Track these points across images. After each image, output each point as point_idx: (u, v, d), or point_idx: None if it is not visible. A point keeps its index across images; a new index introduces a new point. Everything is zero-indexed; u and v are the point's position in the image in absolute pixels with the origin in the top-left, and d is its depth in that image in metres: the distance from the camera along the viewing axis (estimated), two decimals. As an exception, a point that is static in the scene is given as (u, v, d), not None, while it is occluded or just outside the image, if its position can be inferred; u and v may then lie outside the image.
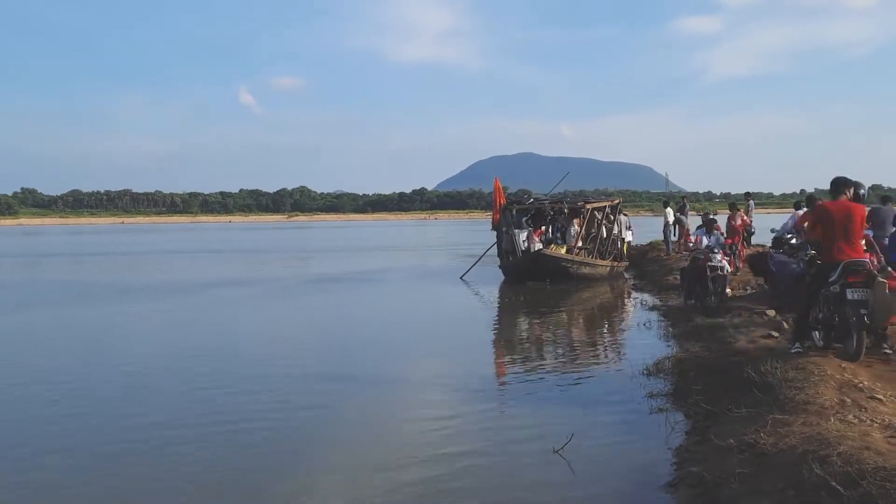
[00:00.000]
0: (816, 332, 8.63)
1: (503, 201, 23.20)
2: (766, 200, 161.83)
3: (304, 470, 6.82)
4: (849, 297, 7.72)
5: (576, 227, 23.04)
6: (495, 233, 23.98)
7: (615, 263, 23.66)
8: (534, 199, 25.29)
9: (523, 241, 22.42)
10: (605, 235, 23.61)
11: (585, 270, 22.04)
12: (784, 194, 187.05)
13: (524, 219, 23.62)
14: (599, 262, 22.72)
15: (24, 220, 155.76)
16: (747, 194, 26.21)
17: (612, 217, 24.15)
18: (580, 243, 22.85)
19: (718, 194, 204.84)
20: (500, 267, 23.39)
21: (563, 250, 22.19)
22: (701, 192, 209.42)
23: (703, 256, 14.10)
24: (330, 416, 8.57)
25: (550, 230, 23.89)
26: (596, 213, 23.77)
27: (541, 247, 22.27)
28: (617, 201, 25.14)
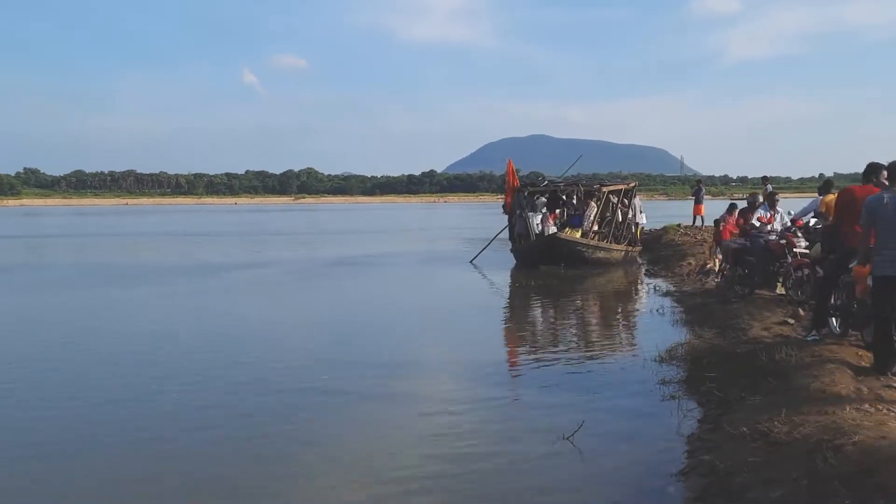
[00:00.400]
0: (834, 320, 8.62)
1: (516, 184, 22.99)
2: (784, 185, 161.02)
3: (316, 458, 6.88)
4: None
5: (592, 210, 22.89)
6: (507, 216, 23.96)
7: (629, 248, 23.58)
8: (548, 181, 25.11)
9: (538, 225, 22.33)
10: (619, 219, 23.48)
11: (600, 255, 21.97)
12: (802, 178, 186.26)
13: (536, 200, 23.44)
14: (614, 246, 22.62)
15: (26, 201, 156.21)
16: (765, 178, 26.12)
17: (627, 201, 24.04)
18: (595, 227, 22.79)
19: (735, 178, 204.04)
20: (511, 251, 23.33)
21: (579, 234, 22.11)
22: (717, 175, 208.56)
23: (778, 238, 12.39)
24: (343, 402, 8.61)
25: (565, 213, 23.76)
26: (611, 196, 23.68)
27: (555, 230, 22.20)
28: (632, 184, 24.93)
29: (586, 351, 11.12)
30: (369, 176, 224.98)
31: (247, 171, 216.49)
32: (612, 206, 23.57)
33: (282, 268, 23.89)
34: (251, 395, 8.84)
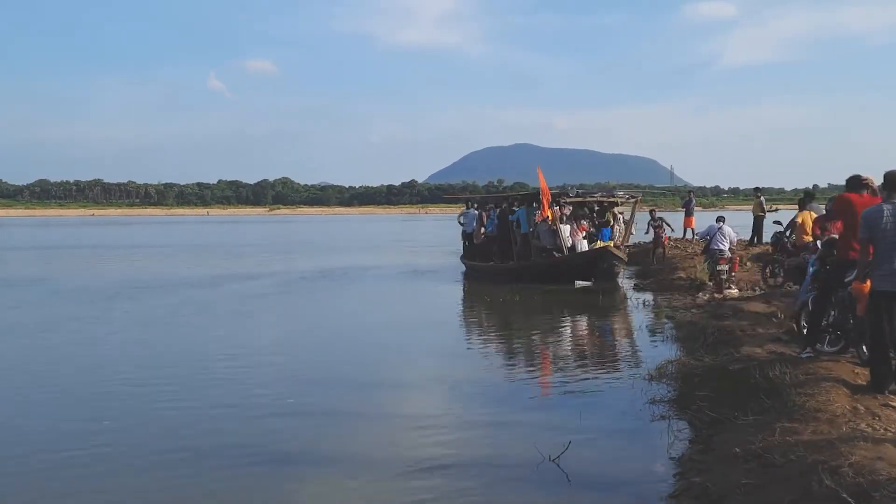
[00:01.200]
0: (827, 337, 8.62)
1: (549, 195, 21.63)
2: (777, 196, 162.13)
3: (302, 478, 6.82)
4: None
5: (619, 222, 22.98)
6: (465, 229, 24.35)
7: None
8: (578, 192, 24.03)
9: (567, 238, 21.77)
10: (623, 231, 23.38)
11: (620, 268, 21.98)
12: (796, 189, 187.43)
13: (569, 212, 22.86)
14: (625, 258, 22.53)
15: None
16: (757, 190, 26.24)
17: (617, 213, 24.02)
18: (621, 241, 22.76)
19: (727, 189, 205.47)
20: (522, 266, 22.40)
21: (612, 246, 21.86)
22: (708, 186, 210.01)
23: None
24: (323, 424, 8.56)
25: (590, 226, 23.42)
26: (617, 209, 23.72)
27: (586, 244, 22.11)
28: (638, 198, 24.43)
29: (573, 369, 11.10)
30: (347, 186, 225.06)
31: (219, 181, 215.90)
32: (619, 219, 23.58)
33: (268, 280, 23.76)
34: (224, 419, 8.77)
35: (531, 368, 11.27)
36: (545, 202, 21.17)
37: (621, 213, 23.87)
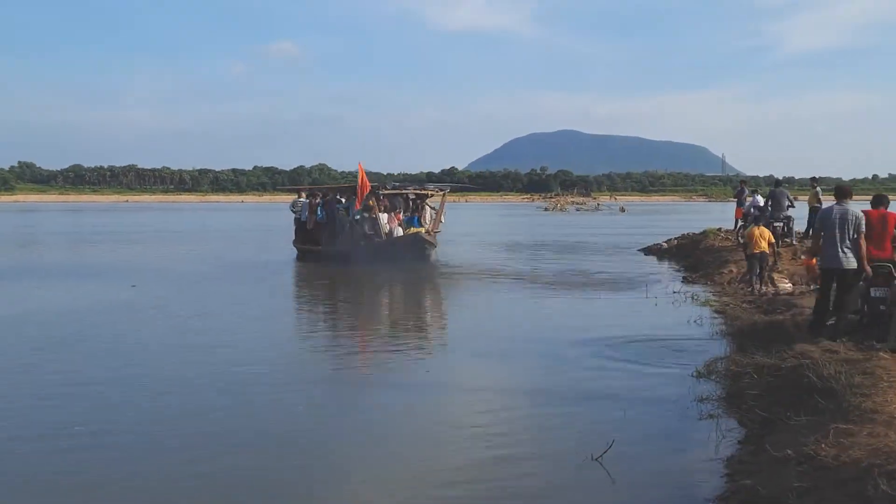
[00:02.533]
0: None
1: (368, 187, 25.72)
2: (834, 186, 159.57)
3: (336, 478, 6.90)
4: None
5: (426, 212, 27.88)
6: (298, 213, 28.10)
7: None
8: (396, 184, 29.07)
9: (385, 225, 25.77)
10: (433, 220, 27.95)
11: (432, 252, 26.08)
12: (854, 179, 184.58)
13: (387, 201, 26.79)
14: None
15: (20, 197, 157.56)
16: (813, 180, 25.64)
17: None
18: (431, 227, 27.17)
19: (781, 178, 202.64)
20: (340, 250, 25.49)
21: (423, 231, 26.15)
22: (761, 175, 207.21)
23: None
24: (362, 421, 8.65)
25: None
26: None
27: (401, 230, 26.29)
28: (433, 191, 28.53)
29: (616, 365, 11.03)
30: (385, 173, 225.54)
31: (255, 167, 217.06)
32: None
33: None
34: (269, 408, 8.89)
35: (570, 364, 11.23)
36: (360, 194, 25.43)
37: (432, 205, 28.48)
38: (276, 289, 20.05)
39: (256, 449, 7.47)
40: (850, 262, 9.73)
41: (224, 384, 9.84)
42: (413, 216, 27.69)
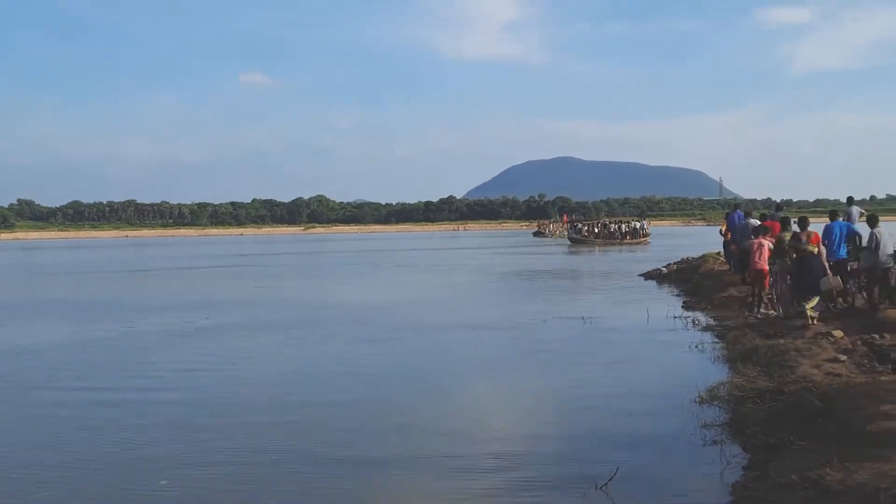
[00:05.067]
0: None
1: None
2: (833, 206, 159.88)
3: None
4: None
5: None
6: None
7: None
8: None
9: None
10: None
11: None
12: (850, 199, 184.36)
13: None
14: None
15: (20, 234, 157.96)
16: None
17: None
18: None
19: (779, 201, 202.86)
20: None
21: None
22: (759, 198, 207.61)
23: None
24: (375, 438, 8.62)
25: None
26: None
27: None
28: None
29: (619, 390, 11.02)
30: (384, 203, 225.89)
31: (253, 200, 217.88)
32: None
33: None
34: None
35: (573, 389, 11.20)
36: None
37: None
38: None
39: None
40: None
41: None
42: None
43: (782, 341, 11.86)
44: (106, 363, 14.42)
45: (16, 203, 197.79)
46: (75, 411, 10.57)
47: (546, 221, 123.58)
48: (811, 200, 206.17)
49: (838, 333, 11.74)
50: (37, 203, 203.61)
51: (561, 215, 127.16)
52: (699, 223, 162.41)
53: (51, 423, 10.01)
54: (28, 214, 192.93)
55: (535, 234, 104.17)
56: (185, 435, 9.22)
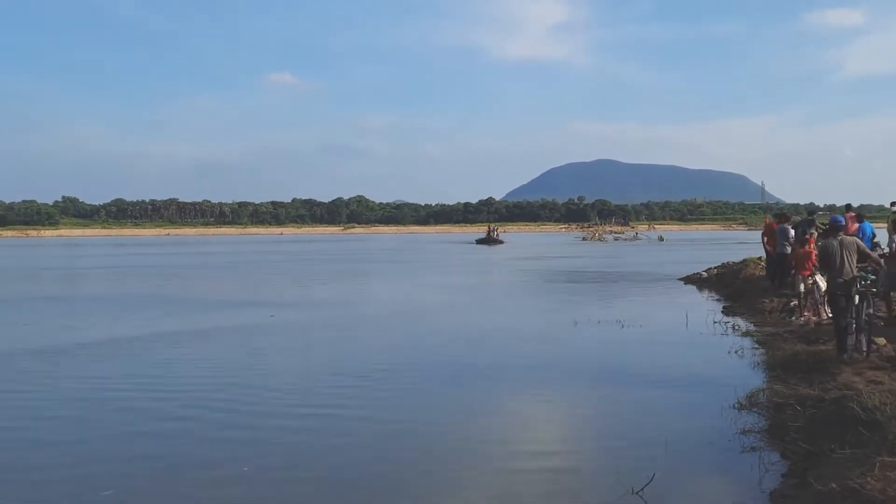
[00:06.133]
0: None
1: None
2: (877, 213, 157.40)
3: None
4: None
5: None
6: None
7: None
8: None
9: None
10: None
11: None
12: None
13: None
14: None
15: (64, 231, 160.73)
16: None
17: None
18: None
19: (822, 206, 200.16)
20: None
21: None
22: (802, 203, 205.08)
23: None
24: (402, 450, 8.66)
25: None
26: None
27: None
28: None
29: (657, 395, 10.96)
30: (423, 204, 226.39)
31: (293, 200, 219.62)
32: None
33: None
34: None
35: (613, 395, 11.16)
36: None
37: None
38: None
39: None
40: None
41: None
42: None
43: (823, 347, 11.72)
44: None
45: (60, 200, 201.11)
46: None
47: (590, 227, 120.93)
48: (855, 205, 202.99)
49: (881, 341, 11.57)
50: (81, 200, 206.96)
51: (601, 218, 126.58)
52: (740, 228, 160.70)
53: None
54: (72, 212, 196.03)
55: (584, 239, 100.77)
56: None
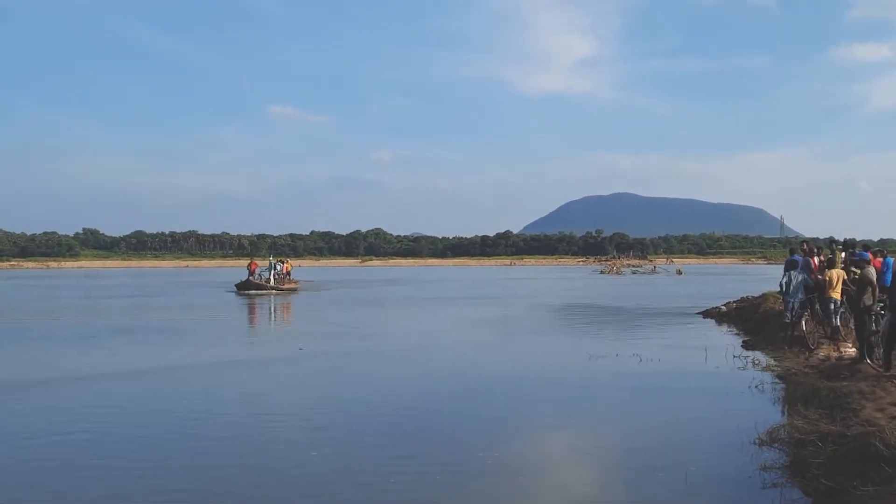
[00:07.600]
0: None
1: None
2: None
3: None
4: None
5: None
6: None
7: None
8: None
9: None
10: None
11: None
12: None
13: None
14: None
15: (84, 263, 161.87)
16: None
17: None
18: None
19: (841, 240, 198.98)
20: None
21: None
22: (821, 237, 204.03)
23: None
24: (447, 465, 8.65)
25: None
26: None
27: None
28: None
29: (677, 430, 10.91)
30: (441, 237, 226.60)
31: (312, 232, 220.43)
32: None
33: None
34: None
35: (632, 431, 11.11)
36: None
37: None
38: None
39: None
40: None
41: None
42: None
43: (845, 383, 11.64)
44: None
45: (81, 232, 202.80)
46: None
47: (608, 260, 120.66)
48: (875, 240, 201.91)
49: None
50: (101, 232, 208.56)
51: (619, 251, 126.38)
52: (759, 262, 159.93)
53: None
54: (92, 243, 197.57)
55: (602, 272, 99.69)
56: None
